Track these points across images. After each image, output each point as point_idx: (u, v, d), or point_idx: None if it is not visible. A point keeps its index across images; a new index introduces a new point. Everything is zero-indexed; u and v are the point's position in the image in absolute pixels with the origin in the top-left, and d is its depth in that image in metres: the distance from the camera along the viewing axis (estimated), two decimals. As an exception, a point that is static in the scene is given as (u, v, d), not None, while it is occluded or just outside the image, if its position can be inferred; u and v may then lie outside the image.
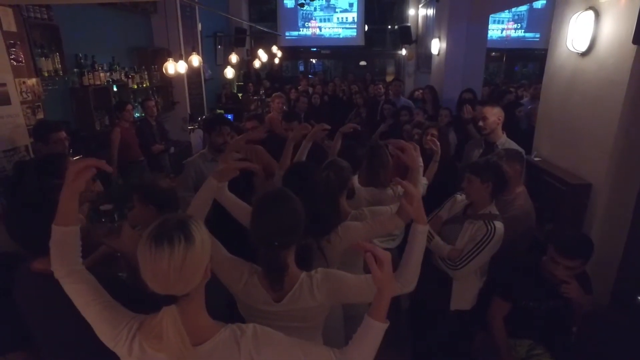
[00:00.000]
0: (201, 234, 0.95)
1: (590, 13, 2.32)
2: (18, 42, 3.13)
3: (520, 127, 4.28)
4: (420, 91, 6.74)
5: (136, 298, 1.10)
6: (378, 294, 1.07)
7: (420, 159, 2.04)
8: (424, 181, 2.35)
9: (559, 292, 1.91)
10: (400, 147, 1.77)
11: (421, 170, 2.02)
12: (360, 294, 1.31)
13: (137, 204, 1.90)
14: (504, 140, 3.02)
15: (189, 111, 6.25)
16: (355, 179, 2.07)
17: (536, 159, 2.96)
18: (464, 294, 2.22)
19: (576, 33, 2.46)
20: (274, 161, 2.97)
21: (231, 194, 1.69)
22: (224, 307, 1.37)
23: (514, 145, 2.94)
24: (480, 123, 2.99)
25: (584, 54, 2.44)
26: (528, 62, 12.38)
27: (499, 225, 2.11)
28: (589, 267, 2.00)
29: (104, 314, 1.03)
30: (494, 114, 2.96)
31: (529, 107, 4.55)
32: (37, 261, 1.35)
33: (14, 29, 3.08)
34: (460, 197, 2.38)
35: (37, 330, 1.39)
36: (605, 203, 2.32)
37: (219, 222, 1.65)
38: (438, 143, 2.44)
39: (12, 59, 3.07)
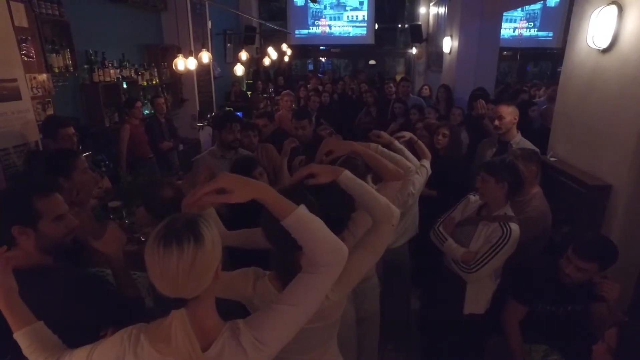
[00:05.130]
0: (211, 233, 0.91)
1: (613, 8, 2.24)
2: (29, 38, 3.14)
3: (534, 127, 4.20)
4: (427, 87, 6.67)
5: (119, 304, 1.06)
6: (264, 204, 0.97)
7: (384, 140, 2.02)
8: (425, 163, 2.39)
9: (598, 294, 1.85)
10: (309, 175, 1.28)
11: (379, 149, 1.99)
12: (362, 263, 1.27)
13: (142, 207, 1.89)
14: (518, 140, 2.96)
15: (198, 109, 6.25)
16: (368, 178, 2.03)
17: (552, 159, 2.88)
18: (477, 297, 2.17)
19: (597, 29, 2.37)
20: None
21: (230, 231, 1.64)
22: (234, 308, 1.33)
23: (529, 144, 2.87)
24: (497, 122, 2.93)
25: (605, 51, 2.36)
26: (540, 61, 12.21)
27: (514, 227, 2.05)
28: (608, 271, 1.93)
29: (104, 349, 0.99)
30: (510, 113, 2.90)
31: (544, 106, 4.46)
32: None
33: (25, 24, 3.09)
34: (473, 197, 2.32)
35: None
36: (626, 205, 2.24)
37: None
38: (403, 135, 2.48)
39: (23, 54, 3.07)
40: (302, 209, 0.97)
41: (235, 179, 0.96)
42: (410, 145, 2.47)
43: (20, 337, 1.05)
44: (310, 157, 2.48)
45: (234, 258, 1.82)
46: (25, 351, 1.05)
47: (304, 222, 0.98)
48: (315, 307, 1.00)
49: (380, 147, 1.99)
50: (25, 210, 1.25)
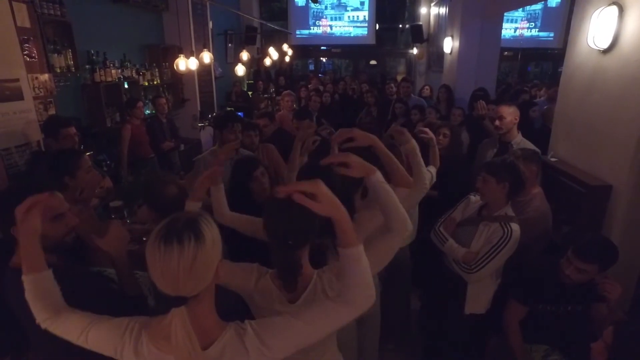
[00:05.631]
0: (212, 232, 0.92)
1: (614, 8, 2.24)
2: (31, 38, 3.15)
3: (535, 127, 4.20)
4: (427, 87, 6.67)
5: (122, 303, 1.07)
6: (335, 223, 0.99)
7: (414, 142, 1.91)
8: (432, 169, 2.33)
9: (599, 294, 1.86)
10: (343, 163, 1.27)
11: (417, 151, 1.91)
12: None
13: (145, 205, 1.89)
14: (519, 140, 2.96)
15: (199, 109, 6.25)
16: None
17: (553, 159, 2.88)
18: (478, 297, 2.17)
19: (598, 29, 2.38)
20: (283, 163, 2.94)
21: (233, 212, 1.65)
22: (234, 308, 1.33)
23: (529, 144, 2.88)
24: (497, 122, 2.94)
25: (605, 51, 2.36)
26: (541, 61, 12.21)
27: (515, 227, 2.06)
28: (608, 272, 1.93)
29: (102, 330, 1.00)
30: (510, 114, 2.91)
31: (545, 107, 4.46)
32: (16, 255, 1.31)
33: (27, 24, 3.10)
34: (474, 197, 2.33)
35: (29, 332, 1.33)
36: (627, 205, 2.25)
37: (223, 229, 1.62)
38: (425, 130, 2.38)
39: (26, 54, 3.08)
40: (361, 246, 1.00)
41: (328, 192, 0.99)
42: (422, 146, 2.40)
43: (27, 280, 1.08)
44: (312, 158, 2.47)
45: (234, 255, 1.82)
46: (27, 295, 1.07)
47: (361, 258, 1.00)
48: (326, 334, 1.01)
49: (417, 148, 1.90)
50: None
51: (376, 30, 11.54)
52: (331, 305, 0.99)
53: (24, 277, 1.08)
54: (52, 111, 3.37)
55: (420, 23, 9.82)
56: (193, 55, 4.55)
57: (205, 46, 5.12)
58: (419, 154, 1.91)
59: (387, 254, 1.30)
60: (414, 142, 1.90)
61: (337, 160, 1.23)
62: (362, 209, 1.76)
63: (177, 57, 4.54)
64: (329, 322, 1.00)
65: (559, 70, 4.01)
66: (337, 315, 0.99)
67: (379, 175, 1.26)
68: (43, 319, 1.05)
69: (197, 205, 1.51)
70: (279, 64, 9.23)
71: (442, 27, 7.93)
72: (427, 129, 2.40)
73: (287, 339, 0.97)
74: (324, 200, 0.97)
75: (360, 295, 0.99)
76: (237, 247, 1.68)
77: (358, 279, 0.99)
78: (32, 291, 1.07)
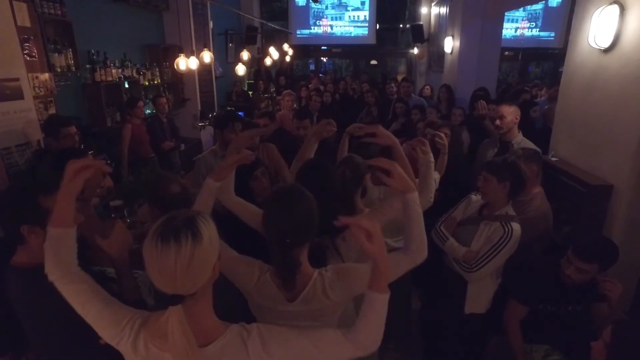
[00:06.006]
0: (209, 230, 0.92)
1: (615, 7, 2.23)
2: (32, 37, 3.15)
3: (535, 127, 4.19)
4: (428, 87, 6.66)
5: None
6: (374, 265, 1.02)
7: (431, 155, 1.94)
8: (436, 175, 2.29)
9: (600, 293, 1.87)
10: (385, 169, 1.28)
11: (432, 165, 1.94)
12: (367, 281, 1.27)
13: (147, 203, 1.87)
14: (520, 140, 2.96)
15: (199, 108, 6.26)
16: (367, 178, 2.02)
17: (553, 159, 2.87)
18: (478, 296, 2.17)
19: (599, 28, 2.37)
20: (283, 162, 2.93)
21: (239, 198, 1.65)
22: (234, 308, 1.33)
23: (530, 144, 2.88)
24: (498, 122, 2.94)
25: (606, 50, 2.36)
26: (542, 61, 12.20)
27: (516, 226, 2.06)
28: (609, 271, 1.92)
29: (105, 312, 1.00)
30: (511, 113, 2.90)
31: (545, 106, 4.45)
32: (17, 254, 1.31)
33: (27, 24, 3.10)
34: (475, 197, 2.32)
35: (29, 332, 1.33)
36: (628, 205, 2.24)
37: (227, 222, 1.61)
38: (441, 134, 2.37)
39: (26, 54, 3.08)
40: (387, 296, 1.03)
41: (381, 237, 1.01)
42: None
43: (51, 233, 1.10)
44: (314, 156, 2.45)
45: (237, 251, 1.82)
46: (46, 248, 1.09)
47: (384, 306, 1.03)
48: None
49: (432, 162, 1.91)
50: (33, 209, 1.26)
51: (377, 30, 11.54)
52: (341, 338, 1.01)
53: (49, 229, 1.10)
54: (52, 110, 3.38)
55: (421, 23, 9.81)
56: (193, 55, 4.55)
57: (205, 46, 5.12)
58: (433, 168, 1.92)
59: (396, 272, 1.30)
60: (431, 155, 1.90)
61: (383, 165, 1.23)
62: (363, 211, 1.77)
63: (177, 56, 4.55)
64: (334, 352, 1.02)
65: (560, 70, 4.01)
66: (343, 350, 1.01)
67: (415, 195, 1.27)
68: (52, 271, 1.06)
69: (216, 185, 1.47)
70: (279, 64, 9.23)
71: (442, 26, 7.93)
72: (442, 135, 2.39)
73: (290, 353, 0.97)
74: (376, 243, 1.00)
75: (370, 339, 1.02)
76: (240, 242, 1.67)
77: (374, 324, 1.02)
78: (53, 245, 1.09)
